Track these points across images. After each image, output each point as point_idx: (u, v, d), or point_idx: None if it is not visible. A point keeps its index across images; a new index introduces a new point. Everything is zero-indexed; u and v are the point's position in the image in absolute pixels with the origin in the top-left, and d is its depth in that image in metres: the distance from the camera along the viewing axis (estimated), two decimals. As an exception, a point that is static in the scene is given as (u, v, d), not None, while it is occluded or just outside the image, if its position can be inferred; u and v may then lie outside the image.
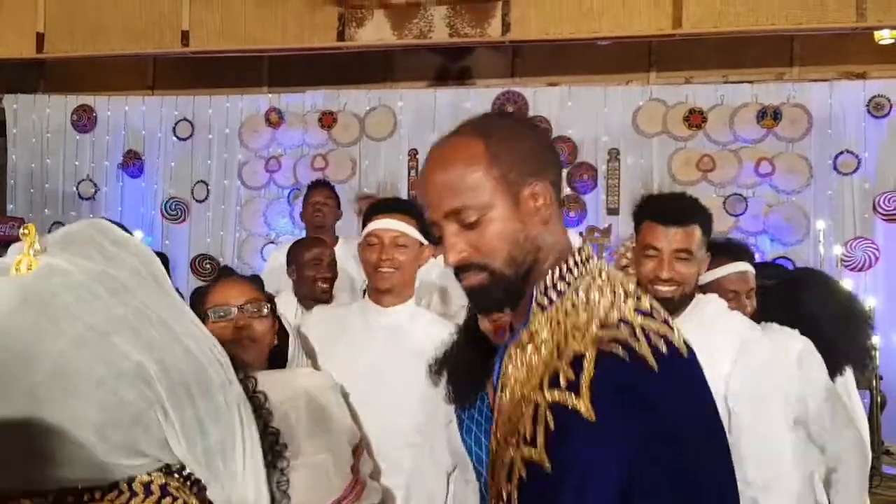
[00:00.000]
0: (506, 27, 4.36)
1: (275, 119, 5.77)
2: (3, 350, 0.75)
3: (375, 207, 2.25)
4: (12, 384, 0.75)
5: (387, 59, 5.71)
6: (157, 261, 0.88)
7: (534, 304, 1.09)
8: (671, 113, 5.35)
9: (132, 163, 6.02)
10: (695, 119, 5.33)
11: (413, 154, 5.60)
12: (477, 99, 5.58)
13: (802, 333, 2.25)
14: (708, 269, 2.17)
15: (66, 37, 4.91)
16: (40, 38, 4.92)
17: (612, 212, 5.44)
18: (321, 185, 4.18)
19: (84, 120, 6.07)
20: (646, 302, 1.07)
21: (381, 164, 5.64)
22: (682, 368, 1.03)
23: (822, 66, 5.29)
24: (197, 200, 5.92)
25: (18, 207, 6.09)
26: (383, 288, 2.13)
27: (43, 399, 0.74)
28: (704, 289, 2.17)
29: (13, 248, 0.83)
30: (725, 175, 5.28)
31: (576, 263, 1.10)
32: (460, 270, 1.12)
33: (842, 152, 5.17)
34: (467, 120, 1.18)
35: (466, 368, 1.77)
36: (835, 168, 5.17)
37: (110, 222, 0.88)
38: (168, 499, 0.79)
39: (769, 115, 5.22)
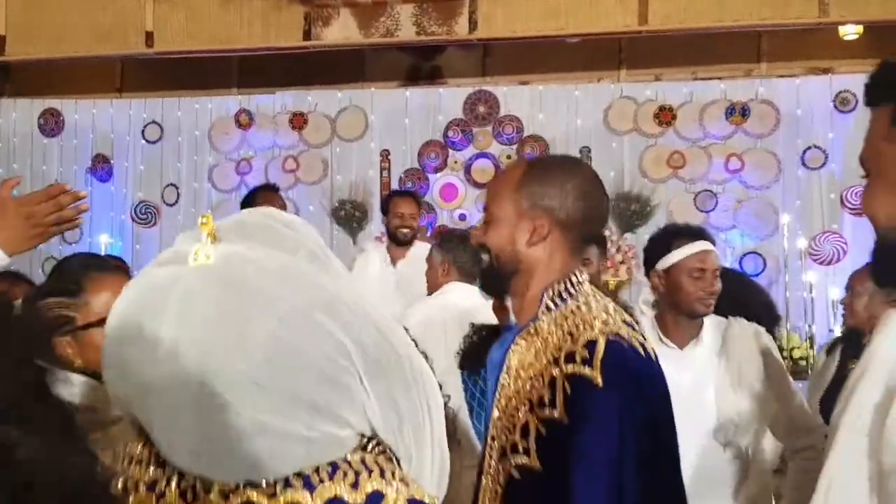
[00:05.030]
0: (473, 25, 4.36)
1: (245, 121, 5.72)
2: (215, 341, 0.75)
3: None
4: (230, 373, 0.75)
5: (357, 60, 5.68)
6: (322, 241, 0.88)
7: (543, 306, 1.42)
8: (641, 110, 5.37)
9: (101, 167, 5.95)
10: (665, 116, 5.35)
11: (385, 154, 5.57)
12: (448, 98, 5.57)
13: None
14: (671, 251, 2.23)
15: (29, 39, 4.85)
16: (2, 41, 4.86)
17: (584, 210, 5.44)
18: (272, 190, 4.13)
19: (51, 124, 6.00)
20: (628, 317, 1.46)
21: (353, 165, 5.60)
22: (650, 365, 1.42)
23: (790, 62, 5.34)
24: (167, 204, 5.85)
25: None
26: None
27: (263, 384, 0.75)
28: (671, 270, 2.21)
29: (183, 236, 0.83)
30: (695, 171, 5.30)
31: (577, 282, 1.45)
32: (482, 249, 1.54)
33: (809, 147, 5.21)
34: (540, 156, 1.61)
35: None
36: (803, 163, 5.21)
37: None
38: (388, 472, 0.81)
39: (738, 112, 5.25)
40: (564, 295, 1.43)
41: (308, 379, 0.78)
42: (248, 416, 0.76)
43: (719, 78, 5.37)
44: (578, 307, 1.41)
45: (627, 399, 1.33)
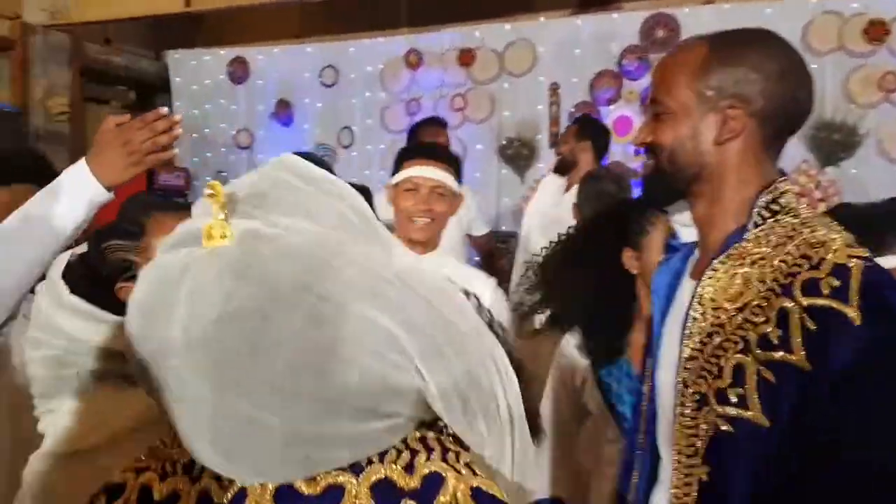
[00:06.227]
0: (646, -59, 3.96)
1: (414, 60, 5.68)
2: (234, 344, 0.65)
3: (410, 151, 2.17)
4: (255, 382, 0.65)
5: (526, -11, 5.43)
6: (361, 199, 0.75)
7: (751, 221, 1.18)
8: (848, 26, 4.71)
9: (283, 111, 6.17)
10: (876, 32, 4.65)
11: (554, 89, 5.31)
12: (624, 24, 5.19)
13: None
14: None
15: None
16: (185, -7, 5.10)
17: (778, 141, 4.92)
18: (437, 124, 4.06)
19: (238, 71, 6.28)
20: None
21: (521, 101, 5.40)
22: None
23: None
24: (343, 146, 5.99)
25: (184, 158, 6.44)
26: (416, 239, 2.06)
27: (291, 392, 0.65)
28: None
29: (197, 208, 0.75)
30: (914, 94, 4.60)
31: (788, 190, 1.20)
32: (646, 153, 1.28)
33: None
34: (722, 31, 1.26)
35: (615, 316, 1.81)
36: None
37: (300, 155, 0.76)
38: (452, 454, 0.72)
39: (970, 21, 4.47)
40: (774, 207, 1.18)
41: (347, 383, 0.65)
42: (275, 426, 0.65)
43: (948, -19, 4.58)
44: (802, 223, 1.16)
45: (891, 341, 1.07)
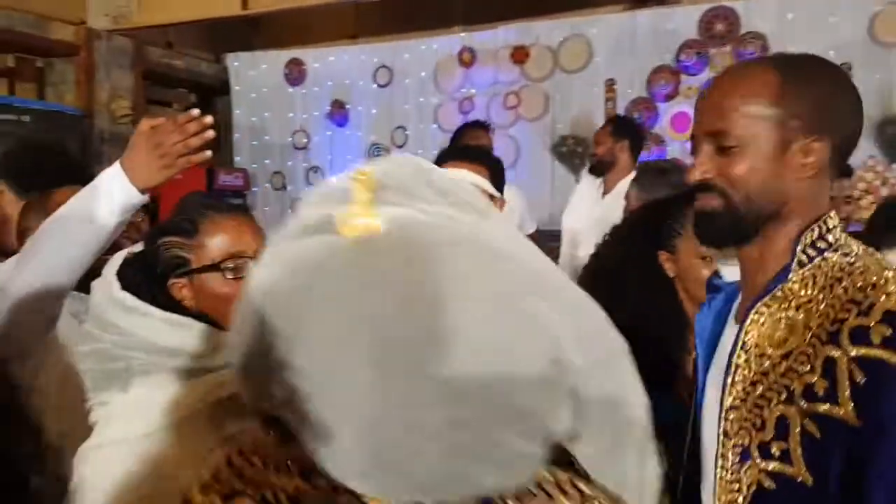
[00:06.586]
0: (703, -68, 3.86)
1: (467, 59, 5.66)
2: (395, 335, 0.58)
3: (446, 154, 2.13)
4: (419, 377, 0.58)
5: (582, -17, 5.36)
6: (492, 205, 0.72)
7: (795, 260, 1.10)
8: (917, 16, 4.52)
9: (338, 112, 6.23)
10: (949, 21, 4.45)
11: (610, 85, 5.22)
12: (681, 18, 5.07)
13: None
14: None
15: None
16: (244, -5, 5.18)
17: (843, 137, 4.74)
18: (480, 127, 4.01)
19: (295, 73, 6.35)
20: None
21: (576, 97, 5.33)
22: None
23: None
24: (397, 146, 6.01)
25: (244, 159, 6.56)
26: None
27: (460, 390, 0.58)
28: None
29: (321, 195, 0.67)
30: None
31: (834, 226, 1.11)
32: (699, 190, 1.13)
33: None
34: (779, 53, 1.20)
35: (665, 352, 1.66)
36: None
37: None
38: (595, 502, 0.65)
39: None
40: (820, 244, 1.10)
41: (514, 388, 0.59)
42: (432, 432, 0.58)
43: None
44: (851, 263, 1.07)
45: None
